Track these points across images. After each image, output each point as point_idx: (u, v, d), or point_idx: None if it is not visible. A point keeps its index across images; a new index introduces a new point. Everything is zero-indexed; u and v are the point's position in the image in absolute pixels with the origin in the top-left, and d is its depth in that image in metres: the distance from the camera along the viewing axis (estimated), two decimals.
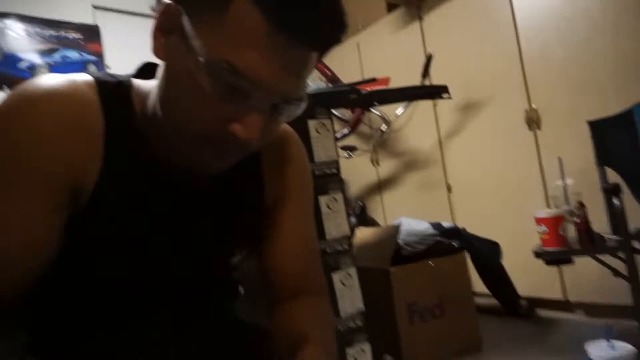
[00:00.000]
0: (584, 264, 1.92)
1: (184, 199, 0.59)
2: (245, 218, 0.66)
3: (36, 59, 3.15)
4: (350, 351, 1.51)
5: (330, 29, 0.48)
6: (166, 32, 0.50)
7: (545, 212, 1.68)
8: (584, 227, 1.63)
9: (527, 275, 2.32)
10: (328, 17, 0.47)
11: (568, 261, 1.77)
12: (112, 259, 0.55)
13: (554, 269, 2.23)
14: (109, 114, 0.53)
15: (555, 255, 1.67)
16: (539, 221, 1.68)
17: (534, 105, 2.31)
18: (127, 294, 0.57)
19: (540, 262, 1.85)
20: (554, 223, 1.65)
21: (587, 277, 2.10)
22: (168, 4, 0.50)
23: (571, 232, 1.66)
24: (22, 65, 3.10)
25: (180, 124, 0.51)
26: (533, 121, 2.32)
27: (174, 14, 0.49)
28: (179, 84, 0.49)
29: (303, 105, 0.52)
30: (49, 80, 0.51)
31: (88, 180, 0.52)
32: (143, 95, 0.57)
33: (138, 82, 0.59)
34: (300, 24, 0.45)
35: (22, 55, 3.11)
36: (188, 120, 0.50)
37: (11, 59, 3.07)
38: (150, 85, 0.57)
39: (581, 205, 1.64)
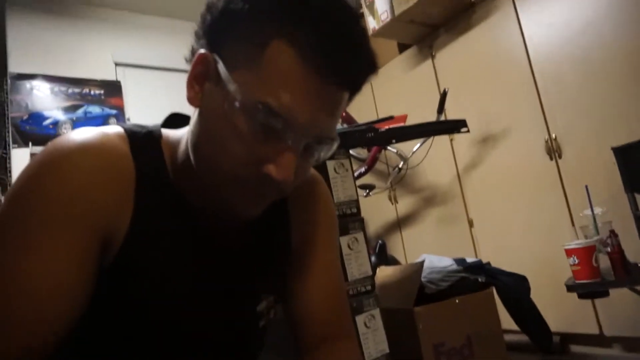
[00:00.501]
0: (619, 296, 1.84)
1: (213, 247, 0.59)
2: (273, 263, 0.66)
3: (60, 116, 3.28)
4: None
5: (363, 69, 0.51)
6: (201, 81, 0.53)
7: (575, 243, 1.62)
8: (618, 257, 1.56)
9: (559, 310, 2.22)
10: (360, 58, 0.50)
11: (603, 294, 1.68)
12: (140, 309, 0.55)
13: (587, 303, 2.14)
14: (139, 164, 0.55)
15: (589, 288, 1.60)
16: (569, 253, 1.62)
17: (553, 135, 2.29)
18: (155, 343, 0.57)
19: (571, 296, 1.77)
20: (586, 254, 1.59)
21: (623, 310, 2.00)
22: (203, 54, 0.52)
23: (604, 262, 1.59)
24: (47, 122, 3.23)
25: (213, 168, 0.51)
26: (553, 150, 2.29)
27: (209, 62, 0.52)
28: (214, 129, 0.51)
29: (335, 145, 0.53)
30: (81, 133, 0.53)
31: (119, 231, 0.52)
32: (173, 144, 0.58)
33: (167, 132, 0.61)
34: (335, 65, 0.47)
35: (47, 113, 3.25)
36: (222, 164, 0.50)
37: (36, 117, 3.21)
38: (179, 134, 0.59)
39: (613, 233, 1.58)
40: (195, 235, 0.58)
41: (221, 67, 0.50)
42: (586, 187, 1.74)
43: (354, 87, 0.52)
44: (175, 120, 0.65)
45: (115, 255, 0.53)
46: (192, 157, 0.54)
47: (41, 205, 0.48)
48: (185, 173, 0.56)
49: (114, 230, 0.52)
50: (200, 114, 0.53)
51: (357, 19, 0.50)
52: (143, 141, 0.57)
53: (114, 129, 0.57)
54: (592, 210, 1.68)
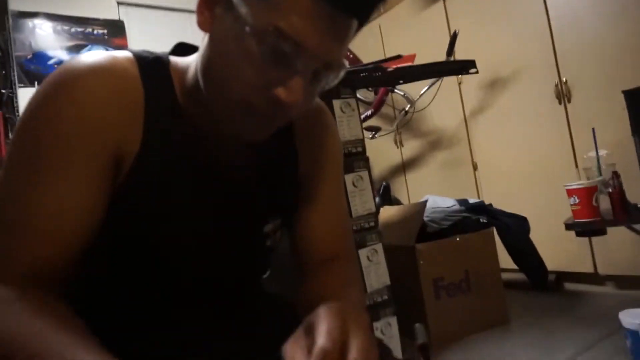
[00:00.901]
0: (615, 236, 1.88)
1: (221, 170, 0.61)
2: (280, 187, 0.68)
3: (64, 56, 3.25)
4: (377, 325, 1.53)
5: None
6: (211, 6, 0.53)
7: (577, 184, 1.65)
8: (618, 197, 1.59)
9: (556, 250, 2.29)
10: None
11: (601, 232, 1.73)
12: (150, 227, 0.57)
13: (583, 243, 2.19)
14: (148, 87, 0.56)
15: (588, 226, 1.64)
16: (570, 193, 1.65)
17: (564, 78, 2.25)
18: (163, 265, 0.59)
19: (569, 236, 1.82)
20: (587, 194, 1.61)
21: (619, 250, 2.06)
22: None
23: (604, 203, 1.62)
24: (51, 62, 3.20)
25: (223, 92, 0.53)
26: (563, 95, 2.27)
27: None
28: (224, 52, 0.51)
29: (342, 73, 0.54)
30: (91, 56, 0.54)
31: (130, 150, 0.54)
32: (181, 70, 0.59)
33: (175, 58, 0.61)
34: None
35: (51, 52, 3.21)
36: (232, 87, 0.52)
37: (40, 57, 3.18)
38: (187, 61, 0.60)
39: (616, 174, 1.60)
40: (203, 158, 0.60)
41: None
42: (593, 129, 1.74)
43: (363, 16, 0.53)
44: (182, 49, 0.66)
45: (126, 175, 0.54)
46: (201, 82, 0.55)
47: (54, 125, 0.50)
48: (193, 98, 0.57)
49: (124, 149, 0.54)
50: (210, 39, 0.54)
51: None
52: (152, 65, 0.58)
53: (123, 53, 0.57)
54: (596, 152, 1.69)
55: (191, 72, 0.58)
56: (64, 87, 0.51)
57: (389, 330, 1.55)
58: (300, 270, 0.72)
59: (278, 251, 0.74)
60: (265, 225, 0.68)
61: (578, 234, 1.75)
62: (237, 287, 0.68)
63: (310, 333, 0.43)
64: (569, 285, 2.35)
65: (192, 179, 0.59)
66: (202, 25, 0.54)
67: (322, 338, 0.41)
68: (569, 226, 1.66)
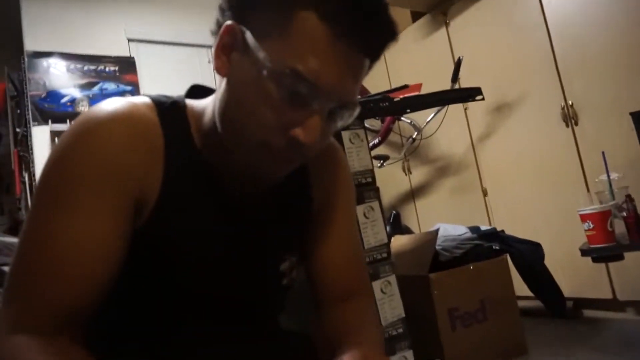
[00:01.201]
0: (633, 261, 1.85)
1: (238, 211, 0.62)
2: (295, 224, 0.69)
3: (76, 93, 3.33)
4: (393, 358, 1.50)
5: (384, 36, 0.54)
6: (228, 51, 0.55)
7: (590, 208, 1.63)
8: (634, 221, 1.57)
9: (573, 276, 2.25)
10: (381, 26, 0.53)
11: (617, 258, 1.70)
12: (169, 271, 0.58)
13: (600, 268, 2.15)
14: (167, 132, 0.57)
15: (604, 252, 1.61)
16: (584, 218, 1.63)
17: (569, 101, 2.26)
18: (182, 304, 0.60)
19: (585, 262, 1.79)
20: (601, 218, 1.59)
21: (638, 274, 2.01)
22: (230, 25, 0.55)
23: (619, 227, 1.59)
24: (64, 100, 3.28)
25: (242, 134, 0.54)
26: (570, 117, 2.27)
27: (236, 33, 0.54)
28: (242, 96, 0.53)
29: (357, 111, 0.56)
30: (111, 104, 0.56)
31: (150, 194, 0.55)
32: (198, 113, 0.61)
33: (191, 102, 0.63)
34: (359, 33, 0.50)
35: (64, 90, 3.30)
36: (251, 129, 0.53)
37: (54, 95, 3.26)
38: (203, 104, 0.62)
39: (629, 198, 1.59)
40: (221, 200, 0.61)
41: (249, 36, 0.52)
42: (602, 153, 1.74)
43: (375, 54, 0.55)
44: (197, 91, 0.68)
45: (147, 219, 0.56)
46: (219, 125, 0.56)
47: (77, 172, 0.52)
48: (211, 141, 0.59)
49: (145, 193, 0.55)
50: (228, 83, 0.55)
51: None
52: (170, 110, 0.60)
53: (141, 99, 0.59)
54: (608, 176, 1.68)
55: (208, 116, 0.59)
56: (87, 135, 0.53)
57: None
58: (316, 305, 0.72)
59: (295, 289, 0.74)
60: (282, 264, 0.68)
61: (594, 260, 1.72)
62: (254, 326, 0.68)
63: None
64: (588, 312, 2.30)
65: (211, 220, 0.60)
66: (219, 70, 0.56)
67: None
68: (584, 252, 1.64)
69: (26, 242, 0.53)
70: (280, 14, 0.50)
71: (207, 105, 0.61)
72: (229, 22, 0.55)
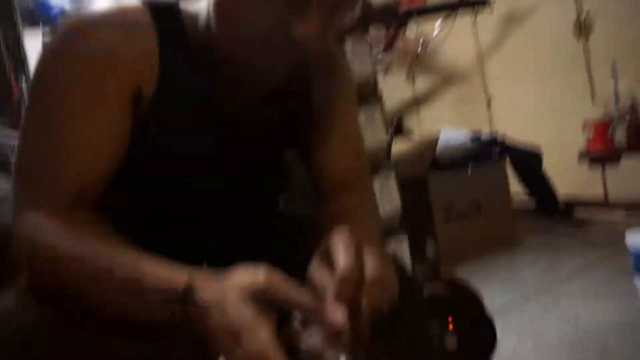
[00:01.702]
0: (628, 167, 1.90)
1: (237, 112, 0.62)
2: (294, 120, 0.68)
3: (66, 4, 3.21)
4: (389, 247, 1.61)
5: None
6: None
7: (593, 118, 1.65)
8: (634, 129, 1.59)
9: (569, 179, 2.29)
10: None
11: (614, 158, 1.74)
12: (169, 164, 0.58)
13: (596, 174, 2.21)
14: (162, 32, 0.56)
15: (601, 154, 1.65)
16: (586, 125, 1.66)
17: (585, 8, 2.19)
18: (183, 198, 0.61)
19: (582, 169, 1.84)
20: (603, 126, 1.62)
21: (631, 178, 2.07)
22: None
23: (619, 137, 1.62)
24: (54, 12, 3.17)
25: (239, 34, 0.53)
26: (582, 28, 2.21)
27: None
28: None
29: (357, 8, 0.55)
30: (99, 6, 0.55)
31: (147, 89, 0.55)
32: (192, 16, 0.59)
33: (184, 5, 0.61)
34: None
35: (53, 2, 3.18)
36: (247, 28, 0.52)
37: (43, 6, 3.14)
38: (196, 7, 0.60)
39: (633, 107, 1.60)
40: (218, 104, 0.60)
41: None
42: (613, 62, 1.72)
43: None
44: None
45: (144, 116, 0.56)
46: (214, 26, 0.55)
47: (74, 66, 0.53)
48: (207, 44, 0.58)
49: (142, 86, 0.55)
50: None
51: None
52: (163, 12, 0.58)
53: (131, 3, 0.58)
54: (615, 85, 1.67)
55: (203, 18, 0.58)
56: (80, 33, 0.53)
57: (399, 252, 1.63)
58: (317, 196, 0.73)
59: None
60: (283, 158, 0.70)
61: (592, 161, 1.76)
62: (257, 216, 0.71)
63: (327, 257, 0.45)
64: (580, 213, 2.40)
65: (208, 118, 0.60)
66: None
67: (341, 261, 0.43)
68: (582, 155, 1.67)
69: (30, 132, 0.55)
70: None
71: (201, 8, 0.59)
72: None
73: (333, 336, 0.38)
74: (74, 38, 0.54)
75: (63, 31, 0.56)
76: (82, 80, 0.53)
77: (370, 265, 0.45)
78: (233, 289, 0.39)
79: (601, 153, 1.64)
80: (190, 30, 0.59)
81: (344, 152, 0.72)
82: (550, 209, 2.31)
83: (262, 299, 0.38)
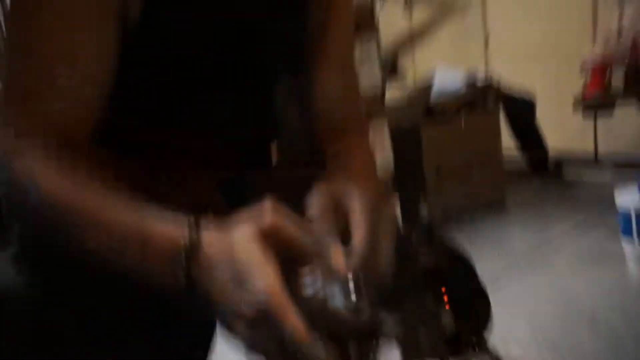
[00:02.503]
0: (621, 116, 1.83)
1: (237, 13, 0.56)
2: (291, 36, 0.63)
3: None
4: None
5: None
6: None
7: (591, 56, 1.54)
8: (633, 70, 1.49)
9: (561, 129, 2.26)
10: None
11: (608, 105, 1.66)
12: (177, 31, 0.53)
13: (587, 128, 2.16)
14: None
15: (597, 99, 1.57)
16: (584, 66, 1.56)
17: None
18: (189, 71, 0.56)
19: (575, 120, 1.78)
20: (601, 68, 1.53)
21: (622, 128, 2.04)
22: None
23: (617, 81, 1.53)
24: None
25: None
26: None
27: None
28: None
29: None
30: None
31: None
32: None
33: None
34: None
35: None
36: None
37: None
38: None
39: (634, 45, 1.49)
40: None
41: None
42: None
43: None
44: None
45: (139, 11, 0.49)
46: None
47: None
48: None
49: None
50: None
51: None
52: None
53: None
54: (620, 19, 1.55)
55: None
56: None
57: None
58: (315, 136, 0.69)
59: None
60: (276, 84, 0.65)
61: (586, 108, 1.69)
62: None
63: (336, 208, 0.43)
64: (569, 174, 2.35)
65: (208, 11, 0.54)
66: None
67: (359, 242, 0.41)
68: (577, 102, 1.60)
69: (14, 49, 0.48)
70: None
71: None
72: None
73: (338, 278, 0.37)
74: None
75: None
76: None
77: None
78: (241, 238, 0.36)
79: (596, 98, 1.55)
80: None
81: (342, 88, 0.68)
82: (540, 167, 2.26)
83: (269, 241, 0.36)
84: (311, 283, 0.37)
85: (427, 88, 1.92)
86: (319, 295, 0.36)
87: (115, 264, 0.42)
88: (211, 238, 0.38)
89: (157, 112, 0.56)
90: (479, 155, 1.93)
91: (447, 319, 0.76)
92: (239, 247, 0.36)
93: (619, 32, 1.55)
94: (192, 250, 0.38)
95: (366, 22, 1.53)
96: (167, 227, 0.40)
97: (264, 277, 0.34)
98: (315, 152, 0.69)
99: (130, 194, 0.43)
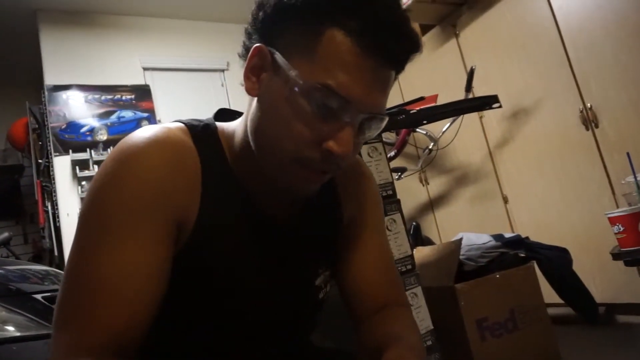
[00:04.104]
0: None
1: (273, 229, 0.63)
2: (327, 238, 0.70)
3: (95, 123, 3.40)
4: None
5: (408, 48, 0.55)
6: (257, 72, 0.57)
7: (619, 211, 1.60)
8: None
9: (604, 281, 2.20)
10: (405, 39, 0.54)
11: None
12: (208, 291, 0.58)
13: (632, 272, 2.09)
14: (203, 155, 0.59)
15: (636, 255, 1.57)
16: (613, 221, 1.60)
17: (588, 104, 2.24)
18: (222, 323, 0.61)
19: (616, 266, 1.75)
20: (631, 220, 1.56)
21: None
22: (259, 47, 0.57)
23: None
24: (84, 129, 3.36)
25: (276, 150, 0.55)
26: (589, 120, 2.24)
27: (265, 54, 0.56)
28: (275, 113, 0.55)
29: (385, 122, 0.57)
30: (148, 130, 0.58)
31: (190, 216, 0.56)
32: (228, 134, 0.63)
33: (221, 124, 0.65)
34: (384, 46, 0.52)
35: (83, 121, 3.38)
36: (285, 145, 0.54)
37: (74, 126, 3.34)
38: (233, 126, 0.63)
39: None
40: (255, 219, 0.62)
41: (279, 56, 0.54)
42: (627, 153, 1.71)
43: (400, 66, 0.57)
44: (224, 114, 0.70)
45: (185, 241, 0.56)
46: (253, 143, 0.58)
47: (120, 197, 0.53)
48: (244, 161, 0.60)
49: (185, 218, 0.56)
50: (259, 102, 0.57)
51: (399, 2, 0.55)
52: (202, 133, 0.61)
53: (174, 124, 0.61)
54: (634, 176, 1.65)
55: (239, 136, 0.61)
56: (127, 162, 0.54)
57: None
58: (354, 320, 0.72)
59: (328, 305, 0.73)
60: (317, 278, 0.69)
61: (627, 264, 1.67)
62: (292, 345, 0.69)
63: None
64: (622, 318, 2.23)
65: (246, 240, 0.61)
66: (250, 91, 0.58)
67: None
68: (616, 256, 1.60)
69: (74, 271, 0.53)
70: (308, 33, 0.53)
71: (237, 126, 0.62)
72: (257, 44, 0.57)
73: None
74: (122, 167, 0.54)
75: (112, 158, 0.56)
76: (125, 214, 0.52)
77: None
78: None
79: (637, 252, 1.53)
80: (226, 150, 0.62)
81: (377, 269, 0.72)
82: (589, 315, 2.15)
83: None
84: None
85: (455, 245, 1.95)
86: None
87: None
88: None
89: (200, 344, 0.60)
90: (521, 308, 1.85)
91: None
92: None
93: (638, 187, 1.63)
94: None
95: (389, 198, 1.64)
96: None
97: None
98: (358, 331, 0.70)
99: None
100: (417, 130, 2.98)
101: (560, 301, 2.19)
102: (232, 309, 0.60)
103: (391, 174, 1.70)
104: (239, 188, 0.61)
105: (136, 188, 0.53)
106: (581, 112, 2.27)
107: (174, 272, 0.56)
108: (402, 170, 2.91)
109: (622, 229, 1.57)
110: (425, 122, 2.03)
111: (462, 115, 2.68)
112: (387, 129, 2.26)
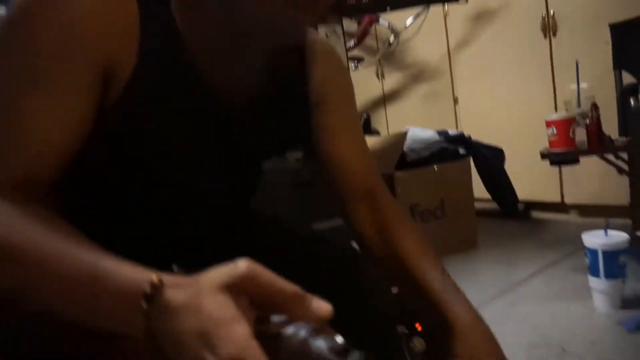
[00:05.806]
0: (586, 168, 1.96)
1: (224, 104, 0.57)
2: (292, 111, 0.64)
3: None
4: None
5: None
6: None
7: (556, 115, 1.69)
8: (595, 129, 1.63)
9: (528, 180, 2.39)
10: None
11: (573, 161, 1.79)
12: (144, 145, 0.54)
13: (554, 174, 2.28)
14: (143, 5, 0.50)
15: (563, 156, 1.70)
16: (548, 124, 1.69)
17: (551, 11, 2.23)
18: (157, 179, 0.57)
19: (541, 167, 1.89)
20: (564, 125, 1.66)
21: (587, 180, 2.16)
22: None
23: (580, 136, 1.66)
24: None
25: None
26: (549, 28, 2.25)
27: None
28: None
29: None
30: None
31: (123, 66, 0.50)
32: None
33: None
34: None
35: None
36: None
37: None
38: None
39: (594, 107, 1.64)
40: (203, 91, 0.55)
41: None
42: (576, 62, 1.75)
43: None
44: None
45: (117, 97, 0.50)
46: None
47: (38, 37, 0.47)
48: (194, 17, 0.53)
49: (117, 64, 0.50)
50: None
51: None
52: None
53: None
54: (578, 85, 1.71)
55: None
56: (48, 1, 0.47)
57: None
58: (340, 199, 0.71)
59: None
60: (284, 155, 0.67)
61: (552, 163, 1.81)
62: (230, 210, 0.67)
63: None
64: (537, 214, 2.48)
65: (190, 109, 0.55)
66: None
67: None
68: (544, 155, 1.72)
69: None
70: None
71: None
72: None
73: (319, 327, 0.34)
74: (42, 4, 0.47)
75: None
76: (45, 51, 0.47)
77: None
78: (209, 285, 0.32)
79: (563, 152, 1.67)
80: (176, 10, 0.53)
81: (358, 151, 0.71)
82: (509, 210, 2.37)
83: (241, 292, 0.32)
84: (294, 327, 0.34)
85: (400, 138, 2.03)
86: (301, 337, 0.33)
87: (62, 311, 0.39)
88: (176, 281, 0.34)
89: (139, 182, 0.56)
90: (451, 199, 2.01)
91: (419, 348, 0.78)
92: (207, 297, 0.32)
93: (578, 96, 1.70)
94: (154, 291, 0.33)
95: None
96: (126, 269, 0.36)
97: (235, 336, 0.30)
98: (346, 212, 0.71)
99: (86, 240, 0.41)
100: (380, 21, 2.88)
101: (488, 197, 2.38)
102: (166, 173, 0.56)
103: (347, 61, 1.67)
104: (186, 52, 0.53)
105: (57, 26, 0.46)
106: (543, 18, 2.26)
107: (104, 126, 0.51)
108: (359, 59, 2.86)
109: (555, 132, 1.67)
110: (389, 7, 1.97)
111: (426, 10, 2.58)
112: (350, 13, 2.18)
